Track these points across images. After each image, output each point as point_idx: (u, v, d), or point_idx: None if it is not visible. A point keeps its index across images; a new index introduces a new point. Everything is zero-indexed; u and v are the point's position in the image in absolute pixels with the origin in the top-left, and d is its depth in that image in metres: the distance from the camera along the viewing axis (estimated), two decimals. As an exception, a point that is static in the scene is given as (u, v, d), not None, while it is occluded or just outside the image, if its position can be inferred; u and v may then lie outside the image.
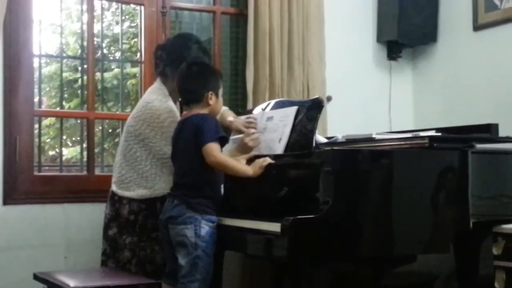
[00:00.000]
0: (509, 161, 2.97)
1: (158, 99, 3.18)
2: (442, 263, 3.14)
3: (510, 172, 2.95)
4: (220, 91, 3.02)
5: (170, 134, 3.02)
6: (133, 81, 5.89)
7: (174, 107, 3.17)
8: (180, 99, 3.11)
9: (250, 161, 2.92)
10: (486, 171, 2.83)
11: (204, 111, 2.93)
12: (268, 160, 2.84)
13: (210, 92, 2.93)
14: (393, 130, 3.93)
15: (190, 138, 2.85)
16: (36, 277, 2.96)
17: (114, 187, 3.19)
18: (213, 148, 2.79)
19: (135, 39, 5.42)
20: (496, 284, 2.82)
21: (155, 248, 3.11)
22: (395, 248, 2.56)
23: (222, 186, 2.92)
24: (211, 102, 2.93)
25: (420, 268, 2.97)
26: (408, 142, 2.72)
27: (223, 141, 2.88)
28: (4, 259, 3.34)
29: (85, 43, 4.05)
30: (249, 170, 2.84)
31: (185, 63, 3.04)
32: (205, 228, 2.78)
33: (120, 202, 3.15)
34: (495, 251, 2.83)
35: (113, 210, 3.17)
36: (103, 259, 3.19)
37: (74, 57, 6.66)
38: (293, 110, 3.07)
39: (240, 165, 2.87)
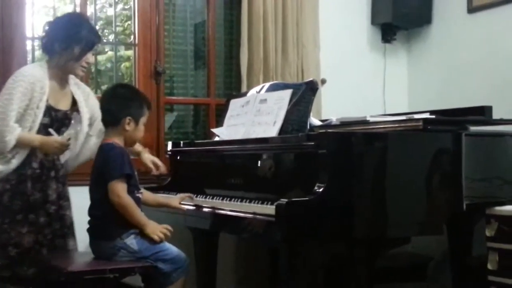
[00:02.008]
0: (503, 144, 2.98)
1: (26, 67, 3.08)
2: (435, 245, 3.15)
3: (504, 154, 2.96)
4: (143, 120, 2.85)
5: (8, 97, 2.91)
6: (127, 64, 5.85)
7: (33, 73, 2.98)
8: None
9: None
10: (480, 154, 2.83)
11: (119, 138, 2.81)
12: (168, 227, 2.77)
13: (129, 118, 2.79)
14: (387, 113, 3.93)
15: (99, 169, 2.77)
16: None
17: None
18: (118, 188, 2.68)
19: (129, 22, 5.39)
20: (489, 266, 2.83)
21: (21, 231, 2.95)
22: (389, 230, 2.57)
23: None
24: (128, 127, 2.79)
25: (414, 250, 2.99)
26: (402, 125, 2.72)
27: (129, 177, 2.75)
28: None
29: (78, 26, 4.01)
30: (148, 226, 2.73)
31: (113, 84, 2.90)
32: (132, 242, 2.72)
33: None
34: (488, 232, 2.85)
35: None
36: None
37: (67, 40, 6.60)
38: (287, 93, 3.06)
39: (140, 216, 2.75)
